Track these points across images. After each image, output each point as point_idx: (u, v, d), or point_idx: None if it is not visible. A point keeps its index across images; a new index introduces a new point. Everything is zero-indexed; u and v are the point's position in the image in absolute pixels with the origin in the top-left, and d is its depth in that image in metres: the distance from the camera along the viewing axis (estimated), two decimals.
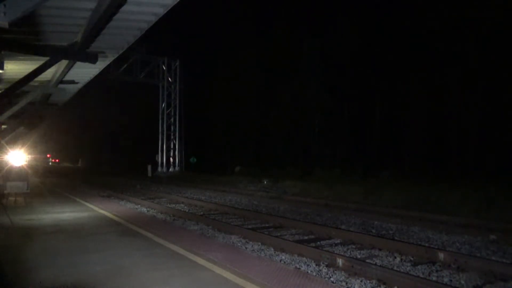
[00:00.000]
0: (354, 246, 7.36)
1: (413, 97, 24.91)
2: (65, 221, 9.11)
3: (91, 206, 11.86)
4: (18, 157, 12.51)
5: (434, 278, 5.47)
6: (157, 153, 34.40)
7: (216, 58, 37.08)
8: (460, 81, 22.07)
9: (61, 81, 11.09)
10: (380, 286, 5.15)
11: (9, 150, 12.72)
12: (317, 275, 5.55)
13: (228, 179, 24.25)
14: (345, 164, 26.49)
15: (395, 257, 6.52)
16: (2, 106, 10.99)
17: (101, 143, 56.99)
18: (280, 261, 6.31)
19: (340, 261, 5.87)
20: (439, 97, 23.36)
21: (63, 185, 21.47)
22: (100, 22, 6.48)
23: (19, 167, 12.30)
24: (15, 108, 11.36)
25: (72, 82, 11.93)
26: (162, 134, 34.41)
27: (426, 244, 7.36)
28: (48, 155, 57.16)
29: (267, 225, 9.61)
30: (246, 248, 7.22)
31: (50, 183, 22.16)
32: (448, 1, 22.60)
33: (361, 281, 5.30)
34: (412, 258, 6.42)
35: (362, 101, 28.19)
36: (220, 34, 50.91)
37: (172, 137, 34.73)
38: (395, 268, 5.89)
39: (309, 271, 5.72)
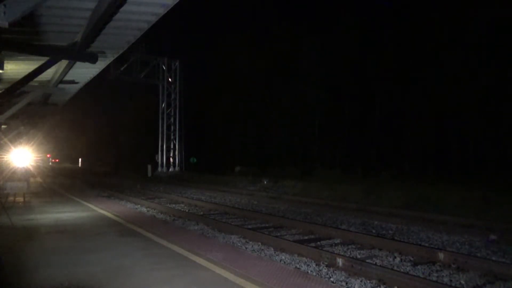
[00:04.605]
0: (354, 246, 7.36)
1: (413, 96, 24.90)
2: (65, 221, 9.10)
3: (91, 206, 11.86)
4: (23, 157, 12.50)
5: (434, 278, 5.47)
6: (157, 153, 34.40)
7: (215, 58, 37.02)
8: (460, 80, 22.06)
9: (61, 81, 11.09)
10: (380, 286, 5.15)
11: (13, 149, 12.71)
12: (317, 275, 5.56)
13: (228, 179, 24.25)
14: (345, 164, 26.50)
15: (395, 257, 6.51)
16: (2, 106, 10.99)
17: (101, 143, 57.00)
18: (280, 261, 6.31)
19: (340, 261, 5.87)
20: (439, 96, 23.34)
21: (63, 185, 21.47)
22: (100, 22, 6.47)
23: (23, 167, 12.30)
24: (15, 108, 11.35)
25: (72, 82, 11.92)
26: (162, 134, 34.42)
27: (426, 244, 7.36)
28: (48, 155, 57.18)
29: (267, 225, 9.61)
30: (246, 248, 7.22)
31: (50, 183, 22.16)
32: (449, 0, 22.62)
33: (361, 281, 5.30)
34: (412, 258, 6.42)
35: (362, 101, 28.18)
36: (219, 34, 50.95)
37: (172, 137, 34.73)
38: (395, 268, 5.89)
39: (309, 271, 5.72)
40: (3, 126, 14.87)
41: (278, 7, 41.55)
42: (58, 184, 22.17)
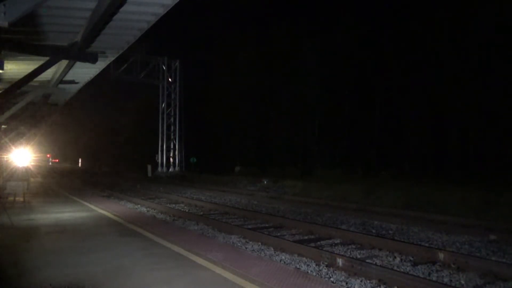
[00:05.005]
0: (354, 246, 7.36)
1: (413, 96, 24.90)
2: (65, 221, 9.11)
3: (91, 206, 11.86)
4: (23, 157, 12.52)
5: (434, 278, 5.47)
6: (157, 153, 34.42)
7: (215, 58, 37.04)
8: (460, 80, 22.06)
9: (61, 81, 11.10)
10: (380, 286, 5.14)
11: (13, 148, 12.73)
12: (317, 275, 5.55)
13: (228, 179, 24.25)
14: (345, 164, 26.49)
15: (395, 257, 6.51)
16: (2, 106, 10.99)
17: (101, 143, 57.02)
18: (280, 261, 6.31)
19: (340, 261, 5.86)
20: (439, 96, 23.34)
21: (63, 185, 21.47)
22: (100, 22, 6.48)
23: (23, 167, 12.31)
24: (15, 108, 11.37)
25: (72, 82, 11.94)
26: (162, 134, 34.43)
27: (426, 244, 7.36)
28: (48, 155, 57.19)
29: (267, 225, 9.61)
30: (246, 248, 7.22)
31: (50, 183, 22.16)
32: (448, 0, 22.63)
33: (361, 281, 5.30)
34: (412, 258, 6.41)
35: (362, 101, 28.18)
36: (219, 34, 50.93)
37: (172, 137, 34.75)
38: (395, 268, 5.89)
39: (309, 271, 5.72)
40: (3, 126, 14.87)
41: (278, 7, 41.53)
42: (58, 184, 22.18)
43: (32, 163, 13.90)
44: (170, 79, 34.66)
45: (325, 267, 5.92)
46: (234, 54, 33.70)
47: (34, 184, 18.95)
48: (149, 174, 31.96)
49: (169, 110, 34.72)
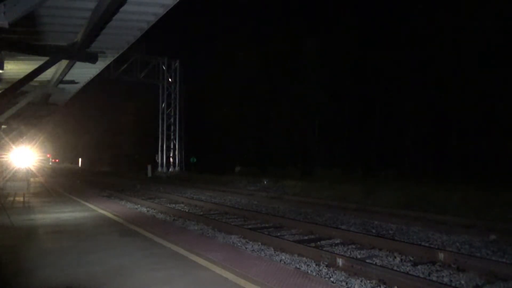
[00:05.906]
0: (354, 246, 7.35)
1: (413, 96, 24.90)
2: (65, 221, 9.11)
3: (91, 206, 11.86)
4: (23, 157, 12.51)
5: (434, 278, 5.47)
6: (157, 153, 34.44)
7: (216, 58, 37.10)
8: (460, 80, 22.06)
9: (61, 81, 11.10)
10: (380, 286, 5.14)
11: (13, 148, 12.73)
12: (317, 275, 5.55)
13: (228, 179, 24.25)
14: (345, 164, 26.49)
15: (395, 257, 6.51)
16: (2, 106, 10.99)
17: (101, 143, 57.05)
18: (280, 261, 6.31)
19: (340, 261, 5.86)
20: (439, 96, 23.35)
21: (63, 185, 21.47)
22: (100, 22, 6.48)
23: (24, 167, 12.31)
24: (15, 108, 11.36)
25: (72, 82, 11.94)
26: (162, 134, 34.45)
27: (426, 244, 7.36)
28: (48, 155, 57.24)
29: (267, 225, 9.61)
30: (246, 248, 7.22)
31: (50, 183, 22.16)
32: (448, 1, 22.63)
33: (361, 281, 5.30)
34: (412, 258, 6.41)
35: (362, 100, 28.18)
36: (219, 34, 50.95)
37: (172, 137, 34.76)
38: (395, 268, 5.89)
39: (309, 271, 5.72)
40: (3, 126, 14.88)
41: (278, 7, 41.52)
42: (58, 184, 22.17)
43: (33, 163, 13.88)
44: (170, 79, 34.67)
45: (325, 267, 5.92)
46: (234, 54, 33.69)
47: (34, 184, 18.95)
48: (149, 174, 31.97)
49: (169, 110, 34.72)
